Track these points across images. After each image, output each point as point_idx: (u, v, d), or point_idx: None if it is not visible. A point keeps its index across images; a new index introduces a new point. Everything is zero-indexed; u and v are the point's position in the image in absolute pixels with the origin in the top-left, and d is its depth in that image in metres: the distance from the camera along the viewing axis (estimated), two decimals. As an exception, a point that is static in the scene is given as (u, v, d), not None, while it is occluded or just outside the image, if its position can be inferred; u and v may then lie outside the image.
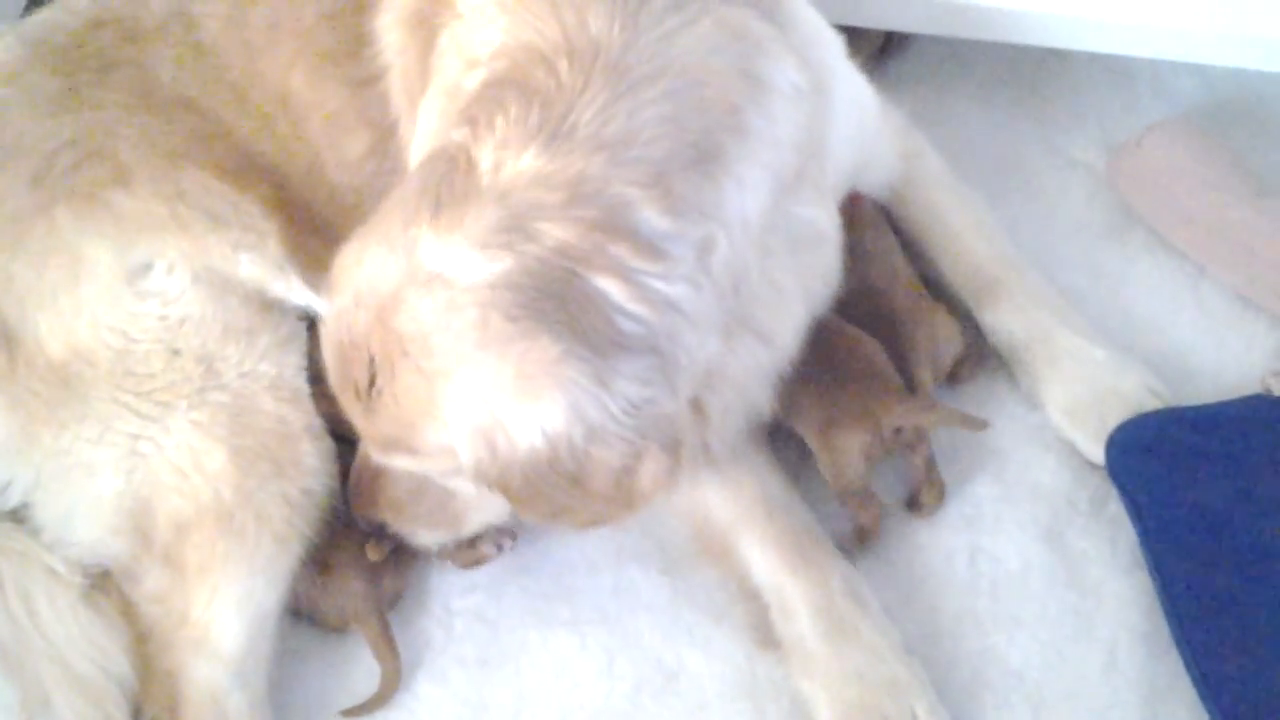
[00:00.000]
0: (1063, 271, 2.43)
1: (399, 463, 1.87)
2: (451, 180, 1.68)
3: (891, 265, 2.33)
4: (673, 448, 1.74)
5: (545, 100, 1.70)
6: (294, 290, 2.18)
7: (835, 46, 2.12)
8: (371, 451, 1.90)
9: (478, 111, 1.74)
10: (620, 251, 1.66)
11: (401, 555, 2.21)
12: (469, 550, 2.20)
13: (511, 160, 1.67)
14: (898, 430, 2.20)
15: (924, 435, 2.24)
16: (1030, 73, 2.74)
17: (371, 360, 1.71)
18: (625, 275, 1.67)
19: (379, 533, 2.11)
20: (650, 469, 1.72)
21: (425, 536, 2.11)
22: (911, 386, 2.24)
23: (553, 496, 1.72)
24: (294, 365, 2.17)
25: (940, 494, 2.23)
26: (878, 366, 2.22)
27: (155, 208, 2.10)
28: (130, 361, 2.07)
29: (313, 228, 2.21)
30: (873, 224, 2.33)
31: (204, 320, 2.10)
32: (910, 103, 2.50)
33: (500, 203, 1.65)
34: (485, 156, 1.68)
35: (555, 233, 1.64)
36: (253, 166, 2.19)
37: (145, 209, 2.10)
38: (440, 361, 1.65)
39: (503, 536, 2.21)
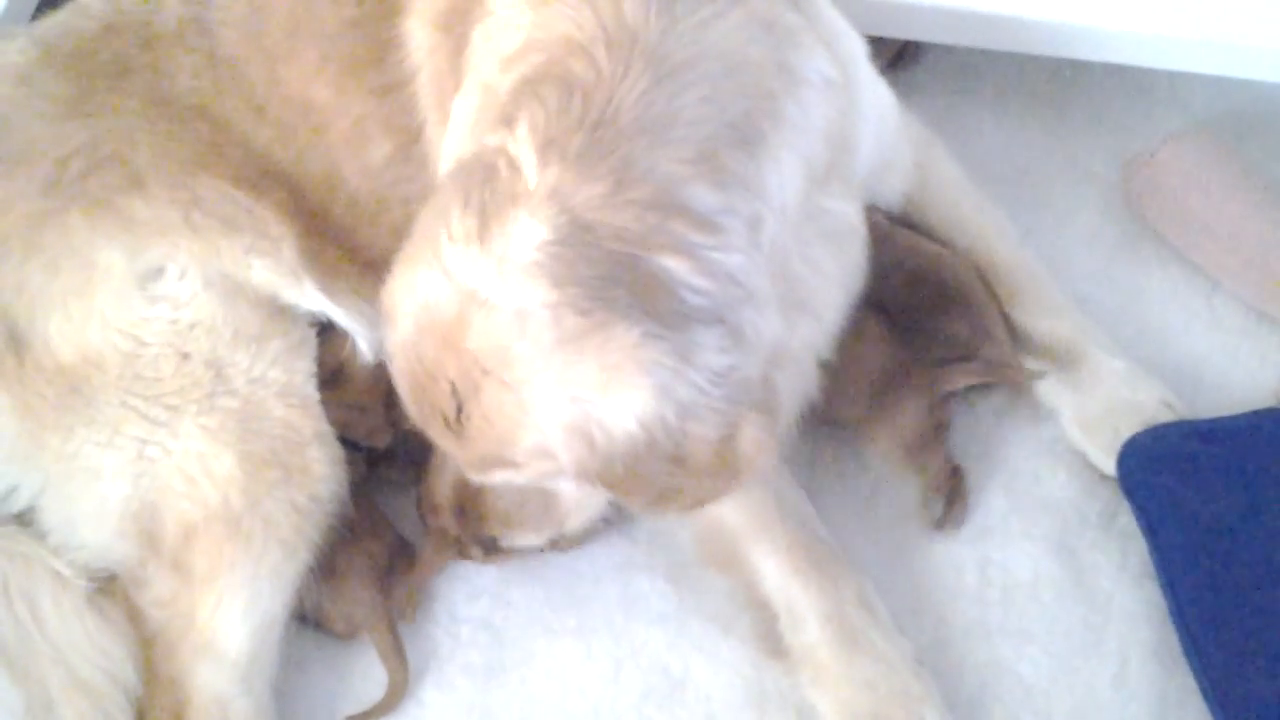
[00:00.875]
0: (1076, 282, 2.43)
1: (500, 478, 1.85)
2: (494, 186, 1.67)
3: (930, 252, 2.34)
4: (766, 408, 1.73)
5: (585, 91, 1.70)
6: (306, 296, 2.18)
7: (859, 45, 2.11)
8: (469, 473, 1.89)
9: (515, 110, 1.72)
10: (677, 227, 1.66)
11: (409, 562, 2.21)
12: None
13: (556, 155, 1.66)
14: (945, 398, 2.23)
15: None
16: (1045, 83, 2.73)
17: (453, 387, 1.70)
18: (685, 250, 1.66)
19: (490, 545, 2.11)
20: (750, 434, 1.71)
21: (533, 539, 2.12)
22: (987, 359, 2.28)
23: (657, 480, 1.71)
24: (304, 371, 2.16)
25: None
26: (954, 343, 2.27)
27: (168, 213, 2.10)
28: (140, 366, 2.06)
29: (328, 235, 2.20)
30: (885, 238, 2.32)
31: (215, 325, 2.09)
32: (924, 112, 2.49)
33: (551, 200, 1.64)
34: (527, 155, 1.67)
35: (610, 219, 1.63)
36: (268, 174, 2.18)
37: (158, 214, 2.10)
38: (522, 370, 1.64)
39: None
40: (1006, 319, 2.32)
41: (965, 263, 2.35)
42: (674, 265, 1.66)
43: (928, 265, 2.33)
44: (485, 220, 1.65)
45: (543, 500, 2.03)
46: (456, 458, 1.85)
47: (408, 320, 1.73)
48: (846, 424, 2.27)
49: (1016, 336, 2.33)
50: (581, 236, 1.63)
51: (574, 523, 2.09)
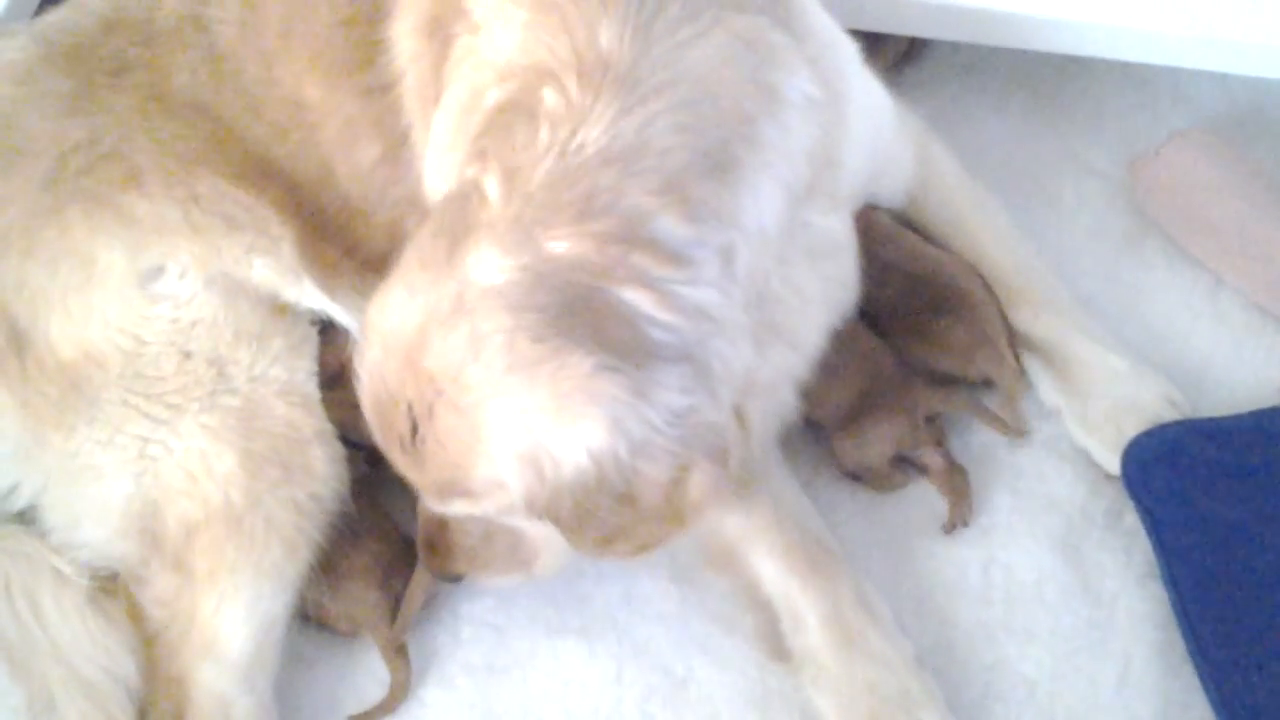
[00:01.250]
0: (1080, 280, 2.42)
1: (457, 508, 1.83)
2: (464, 215, 1.68)
3: (946, 259, 2.33)
4: (720, 457, 1.72)
5: (554, 122, 1.70)
6: (306, 295, 2.18)
7: (850, 54, 2.10)
8: (429, 502, 1.88)
9: (488, 143, 1.74)
10: (642, 261, 1.65)
11: (412, 561, 2.20)
12: None
13: (521, 185, 1.66)
14: (930, 419, 2.23)
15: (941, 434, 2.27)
16: (1049, 80, 2.72)
17: (410, 408, 1.70)
18: (650, 284, 1.66)
19: (454, 581, 2.10)
20: (699, 480, 1.70)
21: (501, 582, 2.09)
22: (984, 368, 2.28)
23: (604, 519, 1.70)
24: (305, 370, 2.16)
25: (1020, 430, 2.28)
26: (880, 363, 2.25)
27: (169, 211, 2.10)
28: (141, 364, 2.06)
29: (326, 234, 2.20)
30: (886, 238, 2.32)
31: (216, 324, 2.09)
32: (928, 109, 2.49)
33: (512, 227, 1.64)
34: (492, 186, 1.68)
35: (570, 250, 1.63)
36: (266, 172, 2.18)
37: (158, 212, 2.09)
38: (475, 395, 1.64)
39: None
40: (1008, 323, 2.31)
41: (968, 267, 2.34)
42: (637, 299, 1.65)
43: (929, 268, 2.32)
44: (452, 245, 1.67)
45: (509, 539, 2.00)
46: (415, 483, 1.83)
47: (376, 342, 1.73)
48: (820, 425, 2.27)
49: (1018, 341, 2.32)
50: (541, 266, 1.63)
51: (542, 566, 2.05)
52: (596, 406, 1.61)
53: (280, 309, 2.16)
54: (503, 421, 1.64)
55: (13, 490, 2.10)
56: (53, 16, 2.26)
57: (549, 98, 1.72)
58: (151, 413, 2.06)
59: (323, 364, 2.19)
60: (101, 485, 2.06)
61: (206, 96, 2.18)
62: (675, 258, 1.67)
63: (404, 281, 1.70)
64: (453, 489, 1.76)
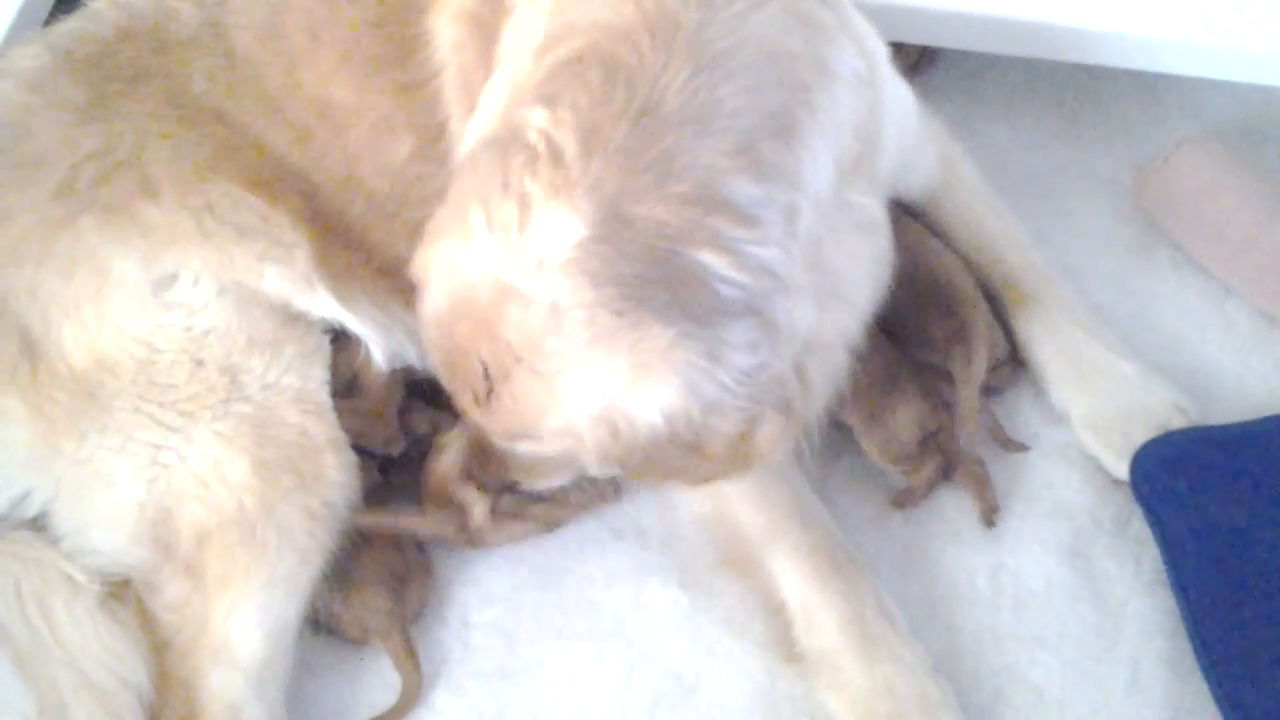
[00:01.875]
0: (1089, 287, 2.42)
1: (523, 448, 1.90)
2: (535, 171, 1.67)
3: (942, 255, 2.34)
4: (785, 407, 1.76)
5: (629, 76, 1.71)
6: (320, 303, 2.18)
7: (881, 48, 2.12)
8: (495, 440, 1.93)
9: (556, 88, 1.74)
10: (717, 222, 1.67)
11: (423, 570, 2.22)
12: (553, 508, 2.23)
13: (600, 144, 1.67)
14: (947, 404, 2.24)
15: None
16: (1059, 88, 2.73)
17: (485, 370, 1.73)
18: (724, 245, 1.67)
19: (510, 488, 2.14)
20: (766, 431, 1.75)
21: (555, 482, 2.15)
22: (954, 368, 2.27)
23: (671, 464, 1.76)
24: (318, 378, 2.16)
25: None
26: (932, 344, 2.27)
27: (182, 220, 2.10)
28: (154, 372, 2.07)
29: (343, 240, 2.21)
30: (902, 223, 2.33)
31: (229, 332, 2.10)
32: (938, 117, 2.49)
33: (594, 192, 1.65)
34: (569, 141, 1.68)
35: (651, 213, 1.65)
36: (283, 178, 2.18)
37: (172, 221, 2.10)
38: (555, 363, 1.67)
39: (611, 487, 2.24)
40: (1007, 330, 2.32)
41: (964, 268, 2.35)
42: (712, 261, 1.67)
43: (925, 262, 2.32)
44: (525, 209, 1.67)
45: (563, 459, 2.00)
46: (484, 427, 1.87)
47: (441, 294, 1.75)
48: (847, 426, 2.27)
49: (1018, 346, 2.33)
50: (621, 232, 1.65)
51: (594, 470, 2.06)
52: (673, 374, 1.65)
53: (293, 317, 2.16)
54: (581, 388, 1.67)
55: (25, 497, 2.11)
56: (66, 25, 2.26)
57: (623, 52, 1.73)
58: (164, 420, 2.06)
59: (335, 372, 2.20)
60: (114, 492, 2.07)
61: (223, 103, 2.18)
62: (746, 218, 1.69)
63: (471, 237, 1.70)
64: (521, 435, 1.82)
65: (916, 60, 2.72)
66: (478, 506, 2.17)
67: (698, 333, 1.65)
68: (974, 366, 2.25)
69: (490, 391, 1.74)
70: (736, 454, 1.76)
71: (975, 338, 2.26)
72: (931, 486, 2.25)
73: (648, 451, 1.72)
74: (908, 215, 2.39)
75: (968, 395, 2.24)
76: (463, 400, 1.82)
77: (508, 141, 1.73)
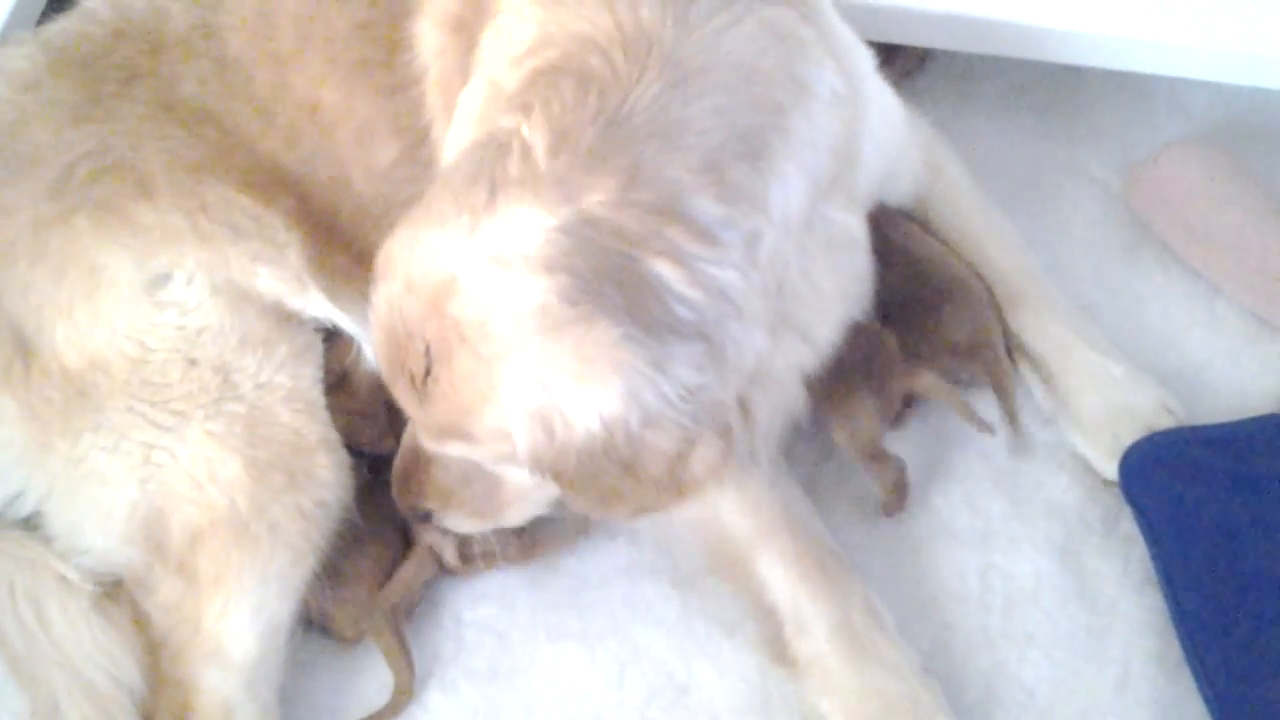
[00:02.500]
0: (1077, 288, 2.44)
1: (453, 450, 1.87)
2: (506, 165, 1.68)
3: (948, 255, 2.36)
4: (725, 434, 1.74)
5: (601, 87, 1.71)
6: (312, 303, 2.18)
7: (866, 56, 2.13)
8: (424, 440, 1.90)
9: (531, 97, 1.74)
10: (676, 235, 1.67)
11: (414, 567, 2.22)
12: (526, 548, 2.21)
13: (569, 148, 1.67)
14: (905, 397, 2.25)
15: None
16: (1048, 89, 2.73)
17: (427, 348, 1.71)
18: (680, 259, 1.68)
19: (423, 519, 2.11)
20: (703, 455, 1.72)
21: (468, 524, 2.11)
22: (979, 367, 2.29)
23: (605, 483, 1.73)
24: (310, 377, 2.17)
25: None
26: (884, 341, 2.26)
27: (176, 219, 2.11)
28: (147, 371, 2.07)
29: (334, 241, 2.21)
30: (893, 222, 2.35)
31: (222, 331, 2.10)
32: (927, 117, 2.50)
33: (559, 188, 1.65)
34: (539, 141, 1.69)
35: (613, 217, 1.65)
36: (275, 179, 2.19)
37: (166, 220, 2.10)
38: (498, 346, 1.65)
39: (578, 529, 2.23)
40: (1005, 326, 2.33)
41: (969, 266, 2.36)
42: (667, 272, 1.67)
43: (933, 256, 2.34)
44: (493, 195, 1.67)
45: (486, 484, 2.02)
46: (417, 421, 1.86)
47: (398, 276, 1.74)
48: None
49: (1013, 343, 2.34)
50: (582, 230, 1.65)
51: (512, 516, 2.09)
52: (616, 375, 1.63)
53: (286, 316, 2.17)
54: (522, 377, 1.65)
55: (18, 496, 2.11)
56: (60, 25, 2.27)
57: (597, 64, 1.74)
58: (157, 419, 2.07)
59: (326, 372, 2.20)
60: (106, 491, 2.07)
61: (215, 104, 2.19)
62: (706, 236, 1.70)
63: (438, 221, 1.70)
64: (454, 431, 1.78)
65: (913, 68, 2.73)
66: (447, 549, 2.19)
67: (644, 339, 1.65)
68: (1003, 364, 2.29)
69: (429, 373, 1.72)
70: (672, 479, 1.74)
71: (995, 336, 2.29)
72: (902, 489, 2.24)
73: (582, 461, 1.69)
74: (910, 220, 2.40)
75: (1005, 386, 2.28)
76: (399, 387, 1.80)
77: (484, 143, 1.75)
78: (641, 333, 1.65)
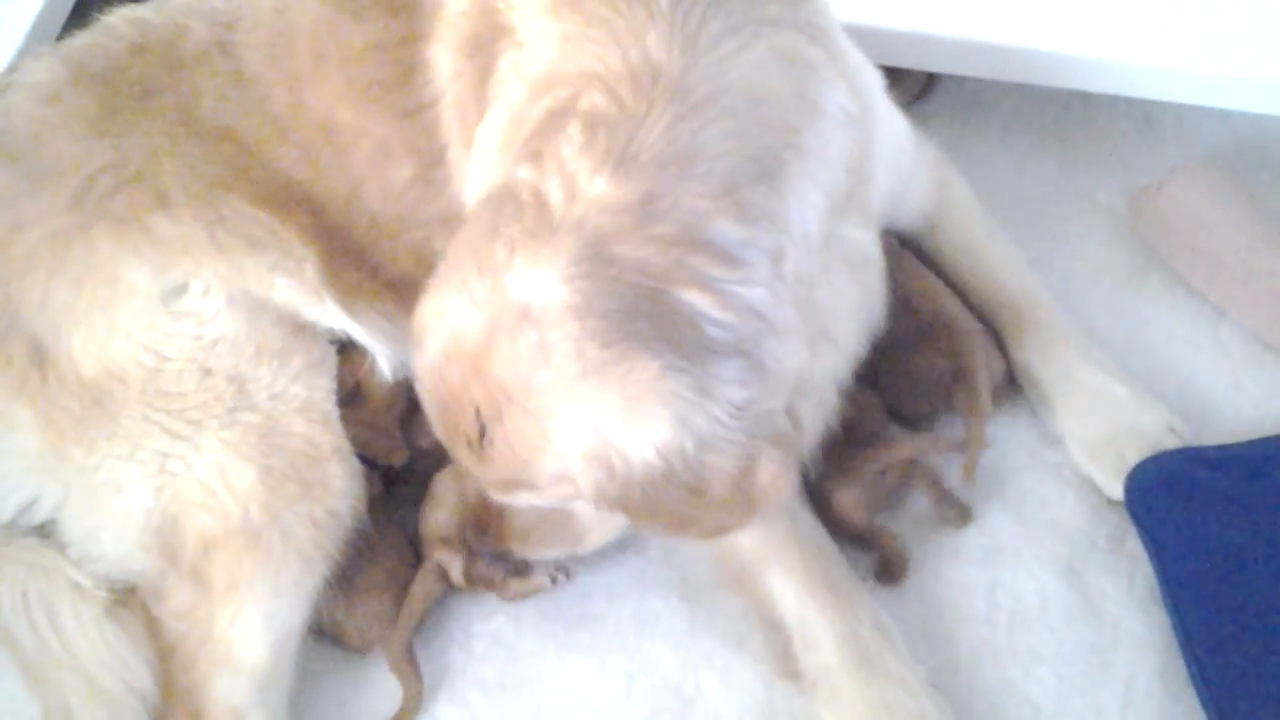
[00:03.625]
0: (1084, 311, 2.45)
1: (521, 500, 1.90)
2: (522, 219, 1.70)
3: (936, 288, 2.36)
4: (782, 442, 1.75)
5: (610, 127, 1.73)
6: (328, 314, 2.20)
7: (875, 77, 2.14)
8: (491, 493, 1.92)
9: (541, 145, 1.76)
10: (700, 262, 1.69)
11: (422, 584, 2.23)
12: (522, 582, 2.21)
13: (582, 190, 1.69)
14: (882, 472, 2.24)
15: (918, 468, 2.28)
16: (1054, 114, 2.76)
17: (477, 412, 1.73)
18: (708, 285, 1.69)
19: (505, 559, 2.15)
20: (767, 467, 1.74)
21: (552, 554, 2.15)
22: (958, 405, 2.30)
23: (674, 509, 1.74)
24: (324, 388, 2.18)
25: (964, 515, 2.27)
26: (869, 410, 2.28)
27: (194, 231, 2.12)
28: (163, 380, 2.08)
29: (349, 255, 2.22)
30: (891, 252, 2.35)
31: (237, 341, 2.11)
32: (935, 142, 2.51)
33: (575, 234, 1.67)
34: (554, 190, 1.70)
35: (634, 254, 1.67)
36: (291, 195, 2.20)
37: (184, 232, 2.12)
38: (545, 400, 1.67)
39: (559, 569, 2.23)
40: (990, 368, 2.34)
41: (959, 302, 2.37)
42: (696, 299, 1.69)
43: (925, 291, 2.35)
44: (511, 251, 1.69)
45: (560, 517, 2.05)
46: (480, 478, 1.88)
47: (435, 344, 1.76)
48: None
49: (1016, 368, 2.36)
50: (605, 270, 1.66)
51: (592, 540, 2.11)
52: (663, 406, 1.65)
53: (301, 328, 2.18)
54: (572, 424, 1.67)
55: (33, 503, 2.13)
56: (80, 39, 2.28)
57: (604, 103, 1.75)
58: (172, 428, 2.08)
59: (340, 383, 2.22)
60: (121, 499, 2.09)
61: (233, 121, 2.20)
62: (730, 259, 1.71)
63: (462, 286, 1.72)
64: (518, 484, 1.81)
65: (921, 91, 2.75)
66: (454, 567, 2.20)
67: (685, 366, 1.66)
68: (980, 403, 2.27)
69: (484, 435, 1.75)
70: (740, 496, 1.75)
71: (977, 374, 2.28)
72: (902, 559, 2.24)
73: (646, 491, 1.71)
74: (904, 250, 2.42)
75: (975, 432, 2.26)
76: (458, 449, 1.82)
77: (500, 198, 1.76)
78: (681, 360, 1.66)
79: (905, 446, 2.27)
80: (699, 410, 1.67)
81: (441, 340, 1.75)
